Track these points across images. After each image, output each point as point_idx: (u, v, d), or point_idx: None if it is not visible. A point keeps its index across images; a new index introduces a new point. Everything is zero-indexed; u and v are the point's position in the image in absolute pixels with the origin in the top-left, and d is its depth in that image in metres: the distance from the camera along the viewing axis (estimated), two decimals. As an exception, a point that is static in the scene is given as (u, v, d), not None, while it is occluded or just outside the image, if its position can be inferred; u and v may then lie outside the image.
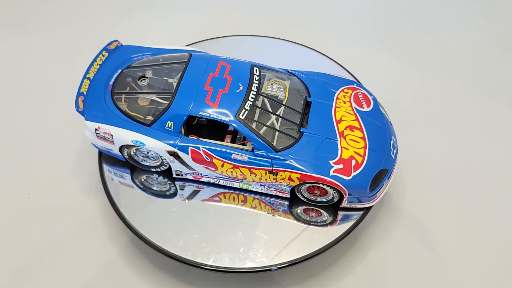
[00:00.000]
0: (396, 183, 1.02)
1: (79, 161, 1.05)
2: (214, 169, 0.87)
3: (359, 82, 1.12)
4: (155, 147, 0.85)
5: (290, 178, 0.84)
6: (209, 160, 0.85)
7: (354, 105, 0.90)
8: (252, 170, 0.85)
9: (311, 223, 0.88)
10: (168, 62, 0.92)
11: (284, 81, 0.91)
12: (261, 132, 0.83)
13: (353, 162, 0.83)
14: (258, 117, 0.85)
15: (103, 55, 0.96)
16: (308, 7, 1.46)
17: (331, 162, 0.83)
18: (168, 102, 0.85)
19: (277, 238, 0.86)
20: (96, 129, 0.88)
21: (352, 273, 0.91)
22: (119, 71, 0.93)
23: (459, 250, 0.94)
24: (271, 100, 0.88)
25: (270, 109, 0.87)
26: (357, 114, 0.89)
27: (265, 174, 0.85)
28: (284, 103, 0.88)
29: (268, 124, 0.85)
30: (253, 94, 0.86)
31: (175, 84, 0.87)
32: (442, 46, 1.35)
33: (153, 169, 0.93)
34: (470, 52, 1.33)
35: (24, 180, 1.03)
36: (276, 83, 0.91)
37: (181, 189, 0.92)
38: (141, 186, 0.93)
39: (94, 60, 0.95)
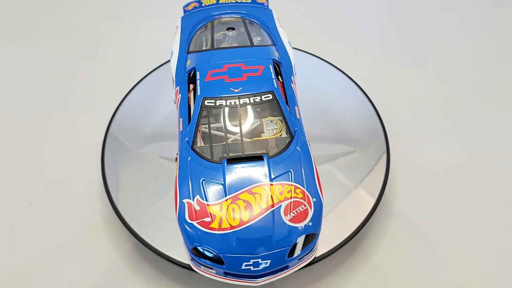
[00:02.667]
0: (397, 189, 1.02)
1: (82, 167, 1.06)
2: None
3: (359, 86, 1.13)
4: None
5: None
6: None
7: None
8: None
9: None
10: None
11: None
12: None
13: None
14: None
15: None
16: (311, 15, 1.47)
17: None
18: None
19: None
20: None
21: (354, 278, 0.91)
22: None
23: (460, 255, 0.94)
24: None
25: None
26: None
27: None
28: None
29: None
30: None
31: None
32: (441, 51, 1.35)
33: None
34: (469, 57, 1.33)
35: (27, 187, 1.04)
36: None
37: None
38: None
39: None
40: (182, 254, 0.84)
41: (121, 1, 1.53)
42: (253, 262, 0.72)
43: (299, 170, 0.78)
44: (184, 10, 1.11)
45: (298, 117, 0.87)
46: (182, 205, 0.76)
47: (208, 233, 0.73)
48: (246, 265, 0.72)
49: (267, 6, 1.10)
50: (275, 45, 0.99)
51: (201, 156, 0.81)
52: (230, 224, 0.73)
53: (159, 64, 1.22)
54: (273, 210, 0.74)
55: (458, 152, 1.10)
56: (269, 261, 0.72)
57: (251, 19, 1.06)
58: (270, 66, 0.90)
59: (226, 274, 0.76)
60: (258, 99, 0.86)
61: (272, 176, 0.77)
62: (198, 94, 0.87)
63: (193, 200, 0.76)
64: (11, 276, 0.91)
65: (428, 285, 0.90)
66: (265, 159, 0.79)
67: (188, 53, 0.98)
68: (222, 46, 0.98)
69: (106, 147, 1.01)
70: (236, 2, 1.10)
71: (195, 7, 1.10)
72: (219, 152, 0.82)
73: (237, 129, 0.84)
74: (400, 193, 1.02)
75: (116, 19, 1.44)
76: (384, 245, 0.95)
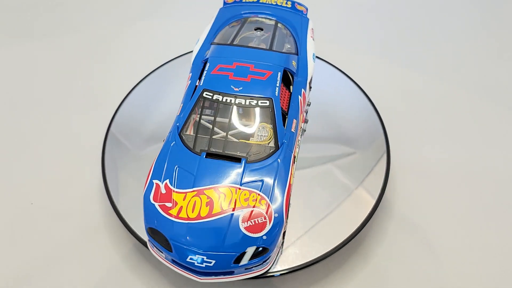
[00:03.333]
0: (397, 189, 1.02)
1: (82, 168, 1.06)
2: None
3: (359, 86, 1.13)
4: None
5: None
6: None
7: None
8: None
9: None
10: None
11: None
12: None
13: None
14: None
15: None
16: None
17: None
18: None
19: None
20: None
21: (355, 278, 0.91)
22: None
23: (460, 255, 0.94)
24: None
25: None
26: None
27: None
28: None
29: None
30: None
31: None
32: (442, 52, 1.35)
33: None
34: (469, 58, 1.33)
35: (27, 187, 1.04)
36: None
37: None
38: None
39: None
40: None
41: (122, 1, 1.53)
42: (198, 257, 0.73)
43: (271, 182, 0.78)
44: (224, 2, 1.11)
45: (292, 130, 0.86)
46: (151, 184, 0.78)
47: (165, 217, 0.75)
48: (191, 258, 0.73)
49: (305, 14, 1.10)
50: (297, 55, 0.98)
51: (185, 144, 0.82)
52: (187, 215, 0.74)
53: (160, 65, 1.22)
54: (232, 214, 0.74)
55: (458, 153, 1.10)
56: (213, 261, 0.73)
57: (284, 23, 1.06)
58: (279, 73, 0.90)
59: (173, 261, 0.77)
60: (254, 102, 0.86)
61: (243, 181, 0.77)
62: (201, 84, 0.88)
63: (162, 183, 0.78)
64: (11, 276, 0.91)
65: (428, 285, 0.90)
66: (242, 163, 0.79)
67: (211, 44, 0.98)
68: (246, 44, 0.98)
69: (106, 148, 1.01)
70: (276, 4, 1.10)
71: (235, 1, 1.11)
72: (203, 144, 0.83)
73: (225, 126, 0.85)
74: (400, 193, 1.02)
75: (117, 19, 1.44)
76: (384, 245, 0.95)
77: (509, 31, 1.41)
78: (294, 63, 0.95)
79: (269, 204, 0.75)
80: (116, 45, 1.37)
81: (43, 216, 0.99)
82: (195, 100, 0.86)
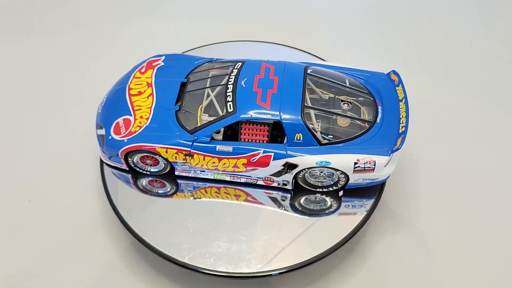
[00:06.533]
0: (396, 189, 1.02)
1: (80, 164, 1.06)
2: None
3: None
4: None
5: None
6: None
7: None
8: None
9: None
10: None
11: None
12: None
13: None
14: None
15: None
16: (311, 14, 1.47)
17: None
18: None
19: (278, 240, 0.86)
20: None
21: (352, 279, 0.91)
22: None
23: (459, 256, 0.94)
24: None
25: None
26: None
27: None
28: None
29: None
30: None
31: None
32: (442, 52, 1.35)
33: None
34: (470, 60, 1.33)
35: (25, 184, 1.04)
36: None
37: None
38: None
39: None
40: (180, 253, 0.84)
41: (122, 0, 1.52)
42: None
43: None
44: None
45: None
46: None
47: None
48: None
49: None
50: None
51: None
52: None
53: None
54: None
55: (457, 153, 1.10)
56: None
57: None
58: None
59: None
60: None
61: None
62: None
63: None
64: (8, 274, 0.91)
65: (426, 285, 0.90)
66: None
67: None
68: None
69: (105, 146, 1.00)
70: None
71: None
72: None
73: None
74: (398, 193, 1.02)
75: (116, 17, 1.44)
76: (382, 246, 0.95)
77: (510, 32, 1.41)
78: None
79: None
80: (114, 43, 1.37)
81: (40, 213, 0.99)
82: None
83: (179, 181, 0.93)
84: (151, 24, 1.42)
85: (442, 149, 1.11)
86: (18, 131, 1.14)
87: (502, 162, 1.09)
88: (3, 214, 0.99)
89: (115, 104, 0.94)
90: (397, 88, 0.91)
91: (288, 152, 0.84)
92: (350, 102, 0.89)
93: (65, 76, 1.27)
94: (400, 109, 0.88)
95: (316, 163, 0.83)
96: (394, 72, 0.94)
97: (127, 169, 0.93)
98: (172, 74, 0.96)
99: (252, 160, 0.85)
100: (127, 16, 1.45)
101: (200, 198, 0.91)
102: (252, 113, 0.84)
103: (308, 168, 0.85)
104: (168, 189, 0.92)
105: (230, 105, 0.85)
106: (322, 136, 0.85)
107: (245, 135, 0.86)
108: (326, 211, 0.89)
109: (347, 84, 0.92)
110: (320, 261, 0.85)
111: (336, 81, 0.92)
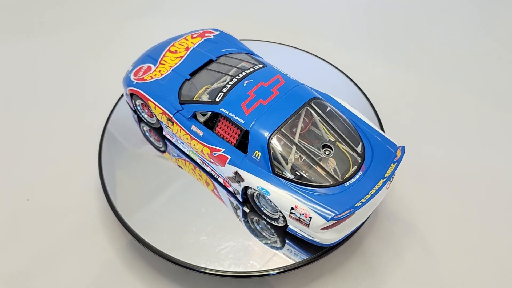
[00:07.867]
0: (395, 190, 1.02)
1: (79, 165, 1.06)
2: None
3: (359, 87, 1.13)
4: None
5: None
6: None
7: None
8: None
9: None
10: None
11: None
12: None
13: None
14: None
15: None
16: (311, 14, 1.47)
17: None
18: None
19: (277, 241, 0.86)
20: None
21: (352, 279, 0.91)
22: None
23: (458, 256, 0.94)
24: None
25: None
26: None
27: None
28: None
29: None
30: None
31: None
32: (442, 55, 1.35)
33: None
34: (469, 59, 1.33)
35: (23, 183, 1.04)
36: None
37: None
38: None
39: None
40: (178, 252, 0.84)
41: (122, 0, 1.53)
42: None
43: None
44: None
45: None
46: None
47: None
48: None
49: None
50: None
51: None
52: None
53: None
54: None
55: (456, 153, 1.10)
56: None
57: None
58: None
59: None
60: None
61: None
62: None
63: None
64: (7, 273, 0.91)
65: (425, 285, 0.90)
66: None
67: None
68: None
69: (103, 146, 1.01)
70: None
71: None
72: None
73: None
74: (398, 194, 1.01)
75: (115, 17, 1.45)
76: (381, 245, 0.94)
77: (510, 32, 1.41)
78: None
79: None
80: (113, 43, 1.37)
81: (39, 213, 0.99)
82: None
83: (167, 142, 1.00)
84: (151, 24, 1.42)
85: (442, 149, 1.10)
86: (18, 131, 1.14)
87: (502, 162, 1.08)
88: (1, 213, 0.99)
89: (153, 52, 1.03)
90: (391, 164, 0.83)
91: (242, 162, 0.84)
92: (331, 150, 0.84)
93: (65, 76, 1.27)
94: (375, 186, 0.80)
95: (258, 187, 0.82)
96: (402, 149, 0.85)
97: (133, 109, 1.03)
98: (210, 49, 1.01)
99: (214, 154, 0.88)
100: (127, 16, 1.45)
101: (181, 167, 0.97)
102: (231, 112, 0.86)
103: (254, 189, 0.84)
104: (161, 145, 1.00)
105: (221, 95, 0.88)
106: (290, 169, 0.81)
107: (220, 129, 0.88)
108: (269, 243, 0.86)
109: (345, 135, 0.86)
110: (319, 261, 0.85)
111: (336, 126, 0.87)
